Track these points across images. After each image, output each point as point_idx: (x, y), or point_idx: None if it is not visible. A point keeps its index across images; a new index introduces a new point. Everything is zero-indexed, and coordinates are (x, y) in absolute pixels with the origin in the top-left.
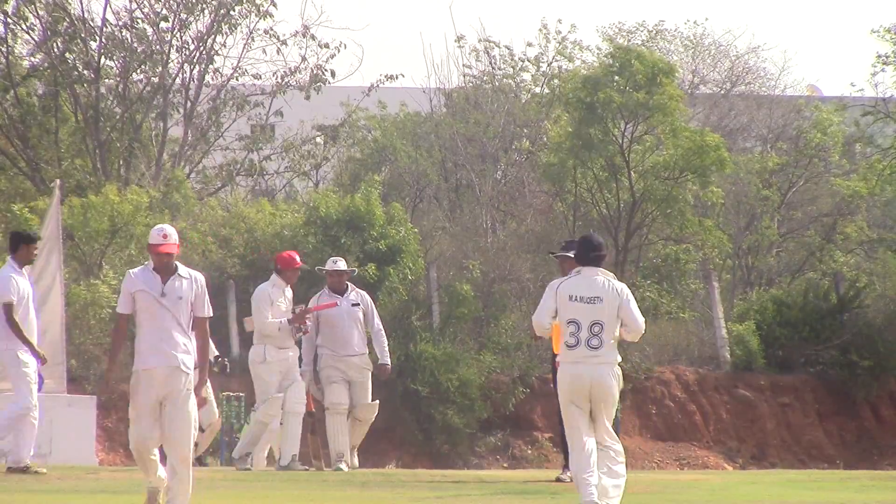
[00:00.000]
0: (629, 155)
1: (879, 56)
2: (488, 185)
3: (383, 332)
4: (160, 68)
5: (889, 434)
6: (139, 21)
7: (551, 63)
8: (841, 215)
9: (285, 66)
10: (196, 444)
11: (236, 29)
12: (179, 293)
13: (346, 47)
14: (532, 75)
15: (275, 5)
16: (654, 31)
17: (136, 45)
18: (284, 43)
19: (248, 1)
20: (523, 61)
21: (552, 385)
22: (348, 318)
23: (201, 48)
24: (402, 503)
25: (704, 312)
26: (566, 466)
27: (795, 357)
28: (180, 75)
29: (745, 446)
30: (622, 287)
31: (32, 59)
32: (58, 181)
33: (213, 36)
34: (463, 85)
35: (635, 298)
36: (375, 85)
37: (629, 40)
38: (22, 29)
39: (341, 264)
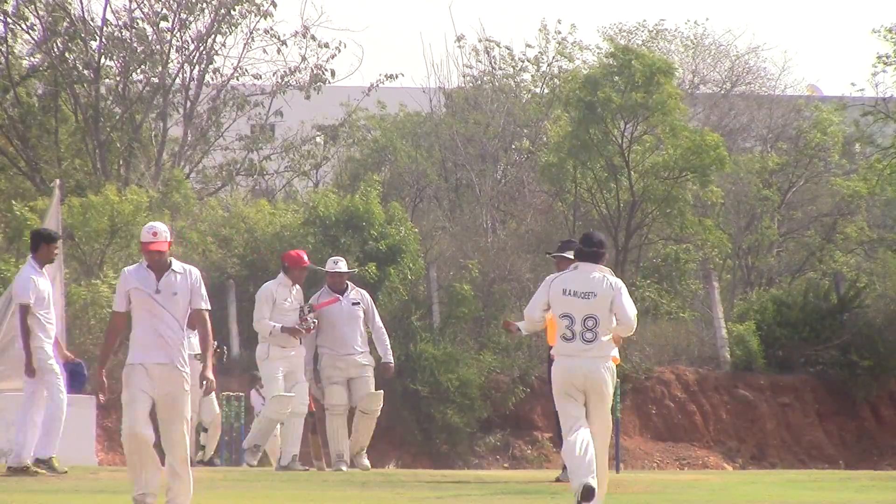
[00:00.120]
0: (629, 155)
1: (880, 56)
2: (488, 185)
3: (384, 331)
4: (160, 68)
5: (889, 434)
6: (139, 21)
7: (551, 63)
8: (841, 215)
9: (285, 66)
10: (204, 447)
11: (236, 29)
12: (174, 289)
13: (345, 47)
14: (532, 75)
15: (275, 5)
16: (655, 31)
17: (136, 45)
18: (284, 43)
19: (248, 1)
20: (523, 61)
21: (549, 380)
22: (348, 317)
23: (201, 48)
24: (402, 503)
25: (704, 312)
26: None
27: (795, 357)
28: (180, 75)
29: (745, 446)
30: (617, 282)
31: (32, 59)
32: (58, 181)
33: (213, 36)
34: (463, 85)
35: (635, 298)
36: (375, 85)
37: (629, 40)
38: (22, 29)
39: (342, 265)
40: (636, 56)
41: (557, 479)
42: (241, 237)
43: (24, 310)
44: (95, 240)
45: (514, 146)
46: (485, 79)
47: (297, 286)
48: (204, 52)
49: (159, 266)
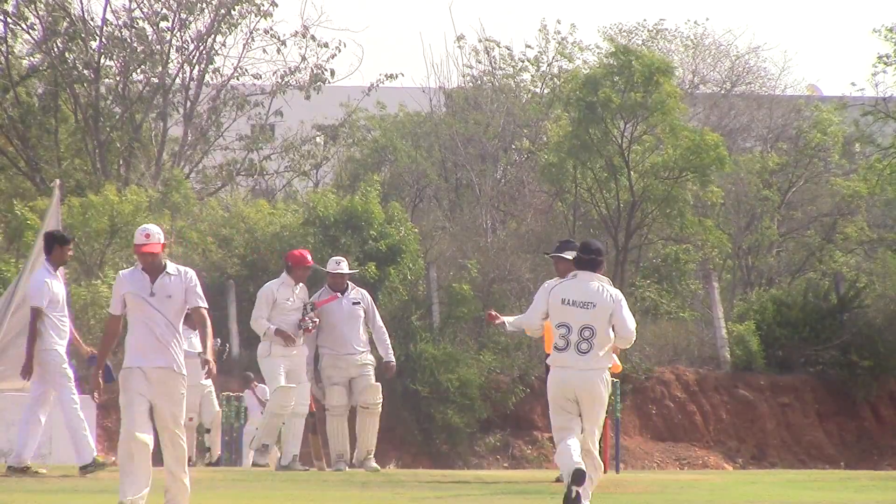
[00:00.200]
0: (629, 155)
1: (880, 56)
2: (488, 185)
3: (385, 330)
4: (160, 68)
5: (889, 434)
6: (139, 21)
7: (551, 63)
8: (841, 215)
9: (285, 66)
10: (209, 449)
11: (236, 29)
12: (168, 291)
13: (345, 46)
14: (532, 75)
15: (275, 5)
16: (655, 31)
17: (136, 44)
18: (284, 43)
19: (248, 1)
20: (523, 61)
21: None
22: (349, 316)
23: (201, 48)
24: (402, 503)
25: (704, 312)
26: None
27: (795, 357)
28: (180, 75)
29: (745, 446)
30: (616, 293)
31: (32, 59)
32: (57, 181)
33: (213, 36)
34: (463, 85)
35: (635, 298)
36: (375, 85)
37: (629, 40)
38: (22, 28)
39: (344, 266)
40: (636, 57)
41: (557, 479)
42: (241, 237)
43: (36, 313)
44: (95, 240)
45: (514, 146)
46: (485, 79)
47: (302, 285)
48: (204, 52)
49: (153, 268)
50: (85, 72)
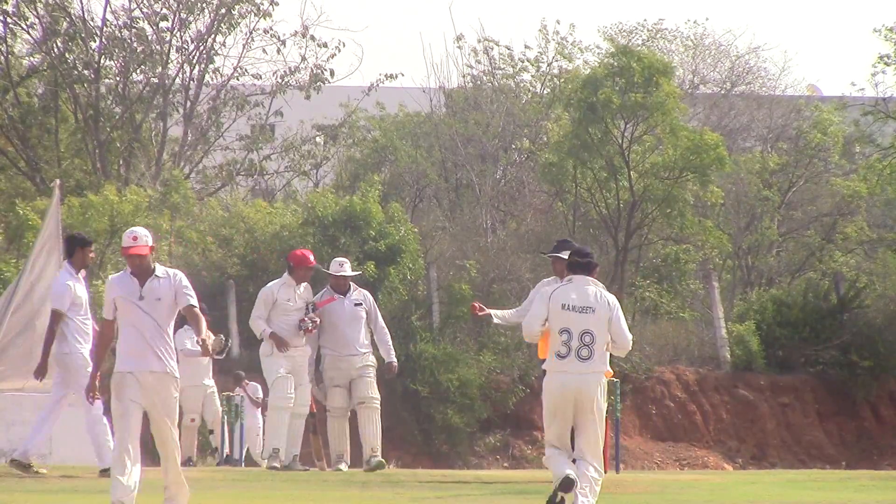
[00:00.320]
0: (629, 155)
1: (881, 57)
2: (488, 185)
3: (387, 331)
4: (160, 68)
5: (889, 434)
6: (139, 21)
7: (551, 63)
8: (841, 215)
9: (285, 66)
10: (216, 449)
11: (236, 29)
12: (158, 294)
13: (345, 46)
14: (532, 75)
15: (275, 5)
16: (655, 31)
17: (135, 44)
18: (284, 43)
19: (248, 1)
20: (523, 62)
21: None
22: (351, 317)
23: (201, 48)
24: (402, 503)
25: (704, 312)
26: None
27: (795, 357)
28: (180, 75)
29: (745, 446)
30: (613, 299)
31: (32, 59)
32: (57, 181)
33: (212, 36)
34: (463, 85)
35: (635, 298)
36: (375, 85)
37: (629, 40)
38: (22, 28)
39: (347, 268)
40: (637, 58)
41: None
42: (241, 237)
43: (57, 316)
44: (95, 240)
45: (514, 146)
46: (484, 79)
47: (306, 285)
48: (204, 52)
49: (142, 271)
50: (85, 72)
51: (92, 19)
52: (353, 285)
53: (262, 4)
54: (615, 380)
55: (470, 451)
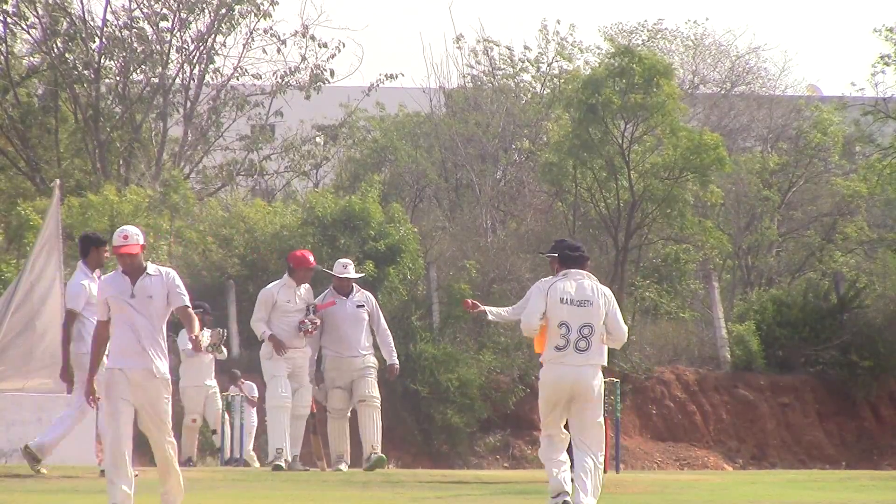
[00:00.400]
0: (629, 155)
1: (882, 56)
2: (488, 185)
3: (389, 332)
4: (160, 68)
5: (889, 434)
6: (139, 21)
7: (551, 63)
8: (841, 215)
9: (285, 66)
10: (219, 449)
11: (236, 29)
12: (149, 292)
13: (345, 46)
14: (532, 76)
15: (275, 4)
16: (655, 31)
17: (136, 45)
18: (284, 42)
19: (248, 1)
20: (523, 62)
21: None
22: (352, 318)
23: (201, 48)
24: (402, 503)
25: (704, 312)
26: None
27: (795, 357)
28: (180, 75)
29: (745, 446)
30: (608, 291)
31: (32, 59)
32: (57, 181)
33: (213, 36)
34: (463, 85)
35: (635, 298)
36: (375, 85)
37: (629, 40)
38: (22, 28)
39: (351, 270)
40: (637, 59)
41: None
42: (241, 237)
43: (72, 316)
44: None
45: (514, 146)
46: (484, 79)
47: (306, 286)
48: (204, 52)
49: (133, 270)
50: (85, 72)
51: (92, 19)
52: (356, 286)
53: (263, 4)
54: (615, 380)
55: (470, 451)
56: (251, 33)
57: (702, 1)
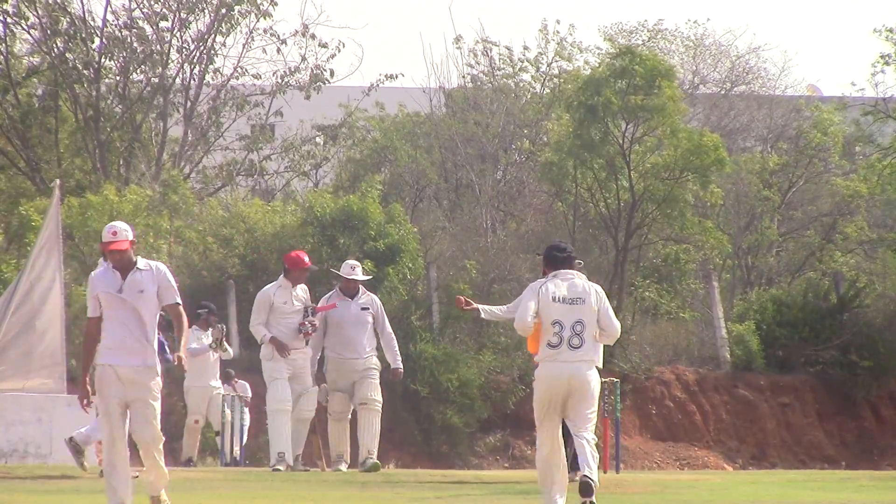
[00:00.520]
0: (629, 155)
1: (882, 56)
2: (488, 185)
3: (394, 337)
4: (160, 68)
5: (889, 434)
6: (139, 21)
7: (551, 63)
8: (841, 215)
9: (285, 66)
10: (225, 451)
11: (236, 28)
12: (140, 287)
13: (345, 46)
14: (532, 76)
15: (275, 4)
16: (655, 31)
17: (136, 45)
18: (284, 42)
19: (248, 0)
20: (522, 62)
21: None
22: (356, 321)
23: (201, 48)
24: (402, 503)
25: (704, 312)
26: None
27: (795, 357)
28: (180, 75)
29: (745, 446)
30: (599, 288)
31: (32, 59)
32: (57, 181)
33: (213, 36)
34: (463, 85)
35: (635, 298)
36: (375, 85)
37: (629, 40)
38: (22, 28)
39: (358, 272)
40: (639, 60)
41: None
42: (241, 237)
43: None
44: (95, 240)
45: (514, 146)
46: (484, 79)
47: (303, 286)
48: (204, 52)
49: (123, 265)
50: (85, 72)
51: (92, 19)
52: (362, 289)
53: (262, 4)
54: (615, 380)
55: (470, 451)
56: (251, 33)
57: (702, 1)
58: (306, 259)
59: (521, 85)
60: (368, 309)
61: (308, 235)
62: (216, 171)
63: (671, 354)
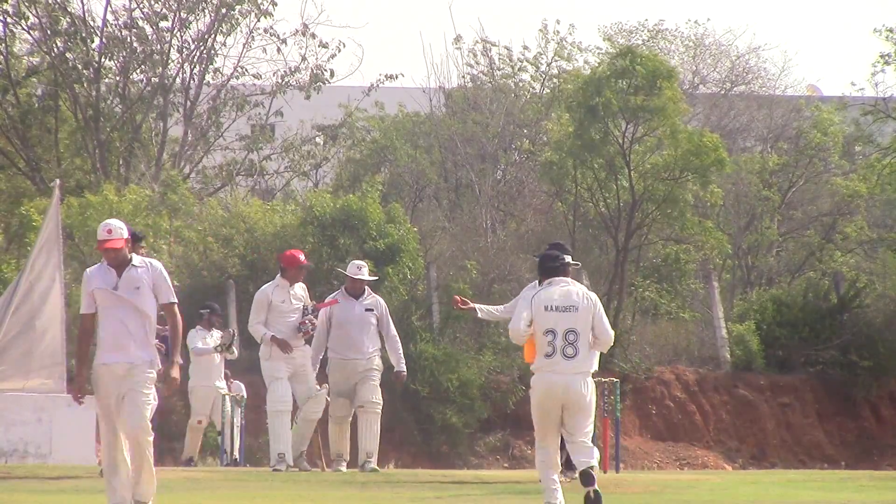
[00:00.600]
0: (629, 155)
1: (882, 56)
2: (488, 185)
3: (398, 339)
4: (160, 68)
5: (889, 434)
6: (139, 21)
7: (550, 63)
8: (841, 215)
9: (285, 66)
10: (226, 451)
11: (236, 28)
12: (136, 283)
13: (345, 46)
14: (531, 75)
15: (275, 4)
16: (655, 31)
17: (136, 44)
18: (284, 42)
19: (249, 0)
20: (522, 62)
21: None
22: (360, 321)
23: (201, 48)
24: (402, 503)
25: (704, 312)
26: (566, 468)
27: (795, 357)
28: (180, 75)
29: (745, 446)
30: (593, 296)
31: (32, 59)
32: (57, 181)
33: (213, 35)
34: (462, 85)
35: (635, 298)
36: (375, 85)
37: (629, 40)
38: (22, 28)
39: (364, 272)
40: (641, 60)
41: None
42: (241, 237)
43: None
44: (95, 240)
45: (513, 146)
46: (484, 79)
47: (301, 285)
48: (204, 52)
49: (118, 263)
50: (85, 72)
51: (92, 19)
52: (367, 290)
53: (263, 3)
54: (615, 380)
55: (470, 451)
56: (251, 33)
57: (702, 1)
58: (301, 257)
59: (521, 85)
60: (373, 310)
61: (308, 235)
62: (216, 171)
63: (671, 354)
